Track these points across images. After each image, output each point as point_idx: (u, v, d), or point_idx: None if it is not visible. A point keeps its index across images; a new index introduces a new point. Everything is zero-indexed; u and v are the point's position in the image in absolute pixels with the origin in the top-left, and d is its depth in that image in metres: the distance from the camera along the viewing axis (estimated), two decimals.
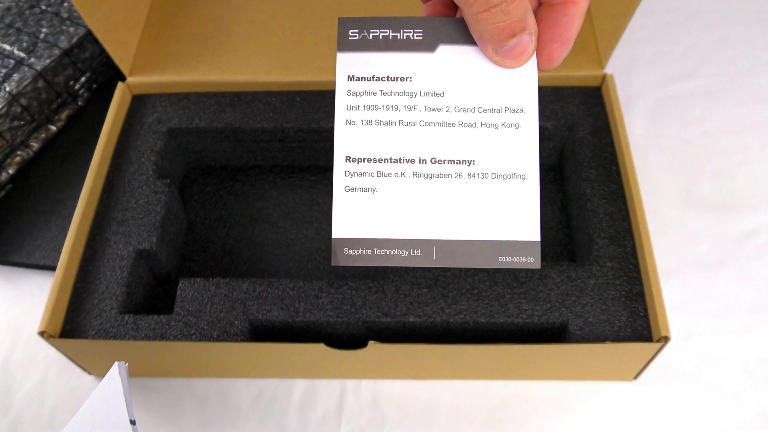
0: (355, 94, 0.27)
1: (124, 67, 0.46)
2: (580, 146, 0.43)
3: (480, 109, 0.27)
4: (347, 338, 0.39)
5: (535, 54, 0.26)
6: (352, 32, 0.27)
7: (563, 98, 0.45)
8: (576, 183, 0.43)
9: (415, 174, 0.27)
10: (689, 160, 0.50)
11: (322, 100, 0.46)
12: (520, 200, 0.27)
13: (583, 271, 0.38)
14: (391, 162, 0.27)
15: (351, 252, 0.27)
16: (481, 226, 0.27)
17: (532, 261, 0.27)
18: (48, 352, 0.43)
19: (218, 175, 0.49)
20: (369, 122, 0.27)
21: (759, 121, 0.52)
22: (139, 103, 0.47)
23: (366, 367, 0.40)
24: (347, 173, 0.27)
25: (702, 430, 0.39)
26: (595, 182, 0.41)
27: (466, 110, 0.27)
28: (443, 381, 0.42)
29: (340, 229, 0.27)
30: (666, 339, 0.35)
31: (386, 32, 0.27)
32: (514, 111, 0.27)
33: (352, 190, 0.27)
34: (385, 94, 0.27)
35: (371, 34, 0.27)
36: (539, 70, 0.26)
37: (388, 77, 0.27)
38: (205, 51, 0.48)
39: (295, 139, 0.46)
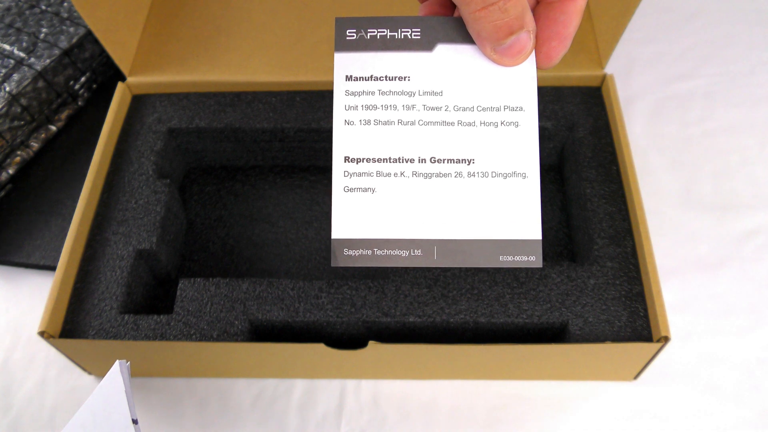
0: (353, 94, 0.27)
1: (124, 67, 0.46)
2: (580, 146, 0.43)
3: (479, 108, 0.27)
4: (347, 338, 0.39)
5: (533, 52, 0.26)
6: (349, 32, 0.27)
7: (563, 98, 0.45)
8: (576, 183, 0.43)
9: (414, 173, 0.27)
10: (689, 160, 0.50)
11: (322, 100, 0.46)
12: (520, 198, 0.27)
13: (583, 271, 0.38)
14: (390, 162, 0.27)
15: (351, 253, 0.27)
16: (482, 225, 0.27)
17: (533, 260, 0.26)
18: (48, 352, 0.43)
19: (218, 175, 0.49)
20: (367, 122, 0.27)
21: (759, 121, 0.52)
22: (139, 103, 0.47)
23: (366, 367, 0.40)
24: (346, 173, 0.27)
25: (702, 430, 0.39)
26: (595, 182, 0.41)
27: (465, 109, 0.27)
28: (443, 381, 0.42)
29: (339, 230, 0.27)
30: (666, 339, 0.35)
31: (384, 32, 0.27)
32: (513, 109, 0.27)
33: (351, 190, 0.27)
34: (383, 93, 0.27)
35: (369, 34, 0.27)
36: (538, 68, 0.26)
37: (386, 77, 0.27)
38: (205, 51, 0.48)
39: (295, 139, 0.46)
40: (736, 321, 0.43)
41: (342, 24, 0.27)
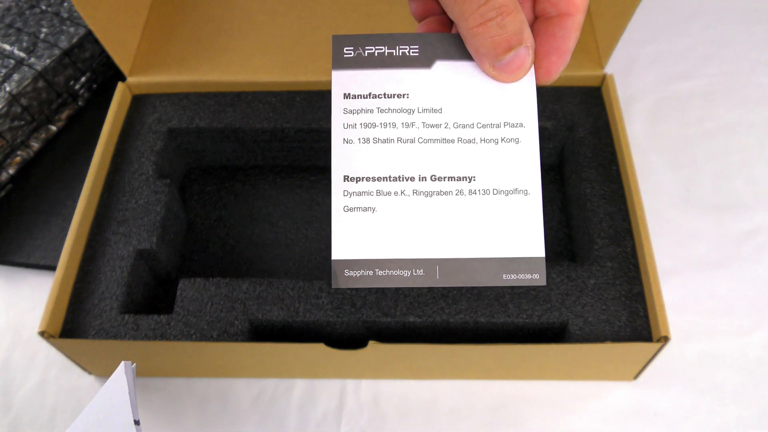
0: (351, 112, 0.27)
1: (124, 67, 0.46)
2: (580, 146, 0.43)
3: (479, 125, 0.26)
4: (347, 338, 0.39)
5: (532, 68, 0.26)
6: (347, 50, 0.27)
7: (563, 98, 0.45)
8: (576, 183, 0.43)
9: (415, 192, 0.26)
10: (689, 160, 0.50)
11: (322, 100, 0.46)
12: (522, 216, 0.26)
13: (583, 271, 0.38)
14: (390, 180, 0.26)
15: (352, 274, 0.26)
16: (484, 244, 0.26)
17: (537, 277, 0.26)
18: (48, 352, 0.43)
19: (218, 175, 0.49)
20: (367, 140, 0.26)
21: (759, 121, 0.52)
22: (139, 103, 0.47)
23: (366, 367, 0.40)
24: (346, 193, 0.26)
25: (702, 430, 0.39)
26: (595, 182, 0.42)
27: (464, 126, 0.26)
28: (443, 381, 0.42)
29: (340, 251, 0.26)
30: (666, 339, 0.35)
31: (382, 49, 0.27)
32: (513, 126, 0.26)
33: (351, 210, 0.26)
34: (382, 111, 0.26)
35: (366, 52, 0.27)
36: (537, 83, 0.26)
37: (384, 94, 0.27)
38: (205, 51, 0.48)
39: (295, 139, 0.46)
40: (736, 321, 0.43)
41: (339, 41, 0.27)
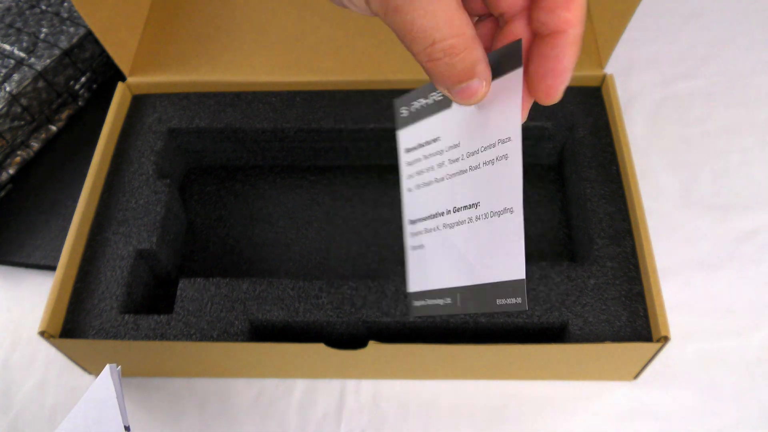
0: (409, 163, 0.29)
1: (124, 67, 0.46)
2: (580, 146, 0.43)
3: (482, 149, 0.26)
4: (347, 338, 0.39)
5: (522, 71, 0.25)
6: (403, 110, 0.29)
7: (563, 98, 0.44)
8: (576, 183, 0.43)
9: (444, 225, 0.28)
10: (689, 160, 0.50)
11: (322, 100, 0.46)
12: (507, 236, 0.25)
13: (583, 271, 0.38)
14: (429, 218, 0.28)
15: (419, 303, 0.29)
16: (480, 269, 0.26)
17: (519, 302, 0.24)
18: (48, 352, 0.43)
19: (218, 175, 0.49)
20: (419, 186, 0.29)
21: (759, 121, 0.52)
22: (139, 103, 0.47)
23: (366, 367, 0.40)
24: (411, 234, 0.29)
25: (702, 430, 0.39)
26: (595, 182, 0.41)
27: (472, 154, 0.27)
28: (443, 381, 0.42)
29: (413, 284, 0.29)
30: (666, 339, 0.35)
31: (421, 101, 0.29)
32: (504, 141, 0.26)
33: (414, 248, 0.29)
34: (426, 157, 0.28)
35: (413, 107, 0.29)
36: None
37: (426, 142, 0.28)
38: (205, 51, 0.48)
39: (295, 139, 0.46)
40: (736, 321, 0.43)
41: (397, 104, 0.30)
